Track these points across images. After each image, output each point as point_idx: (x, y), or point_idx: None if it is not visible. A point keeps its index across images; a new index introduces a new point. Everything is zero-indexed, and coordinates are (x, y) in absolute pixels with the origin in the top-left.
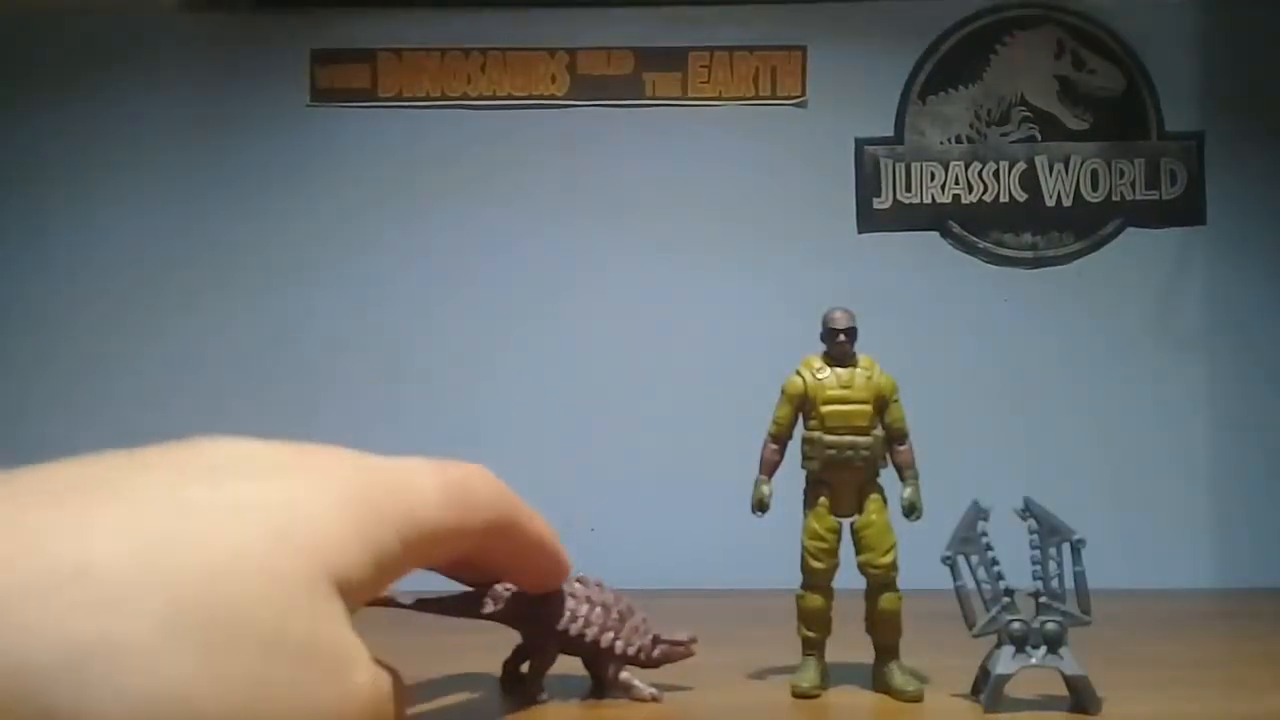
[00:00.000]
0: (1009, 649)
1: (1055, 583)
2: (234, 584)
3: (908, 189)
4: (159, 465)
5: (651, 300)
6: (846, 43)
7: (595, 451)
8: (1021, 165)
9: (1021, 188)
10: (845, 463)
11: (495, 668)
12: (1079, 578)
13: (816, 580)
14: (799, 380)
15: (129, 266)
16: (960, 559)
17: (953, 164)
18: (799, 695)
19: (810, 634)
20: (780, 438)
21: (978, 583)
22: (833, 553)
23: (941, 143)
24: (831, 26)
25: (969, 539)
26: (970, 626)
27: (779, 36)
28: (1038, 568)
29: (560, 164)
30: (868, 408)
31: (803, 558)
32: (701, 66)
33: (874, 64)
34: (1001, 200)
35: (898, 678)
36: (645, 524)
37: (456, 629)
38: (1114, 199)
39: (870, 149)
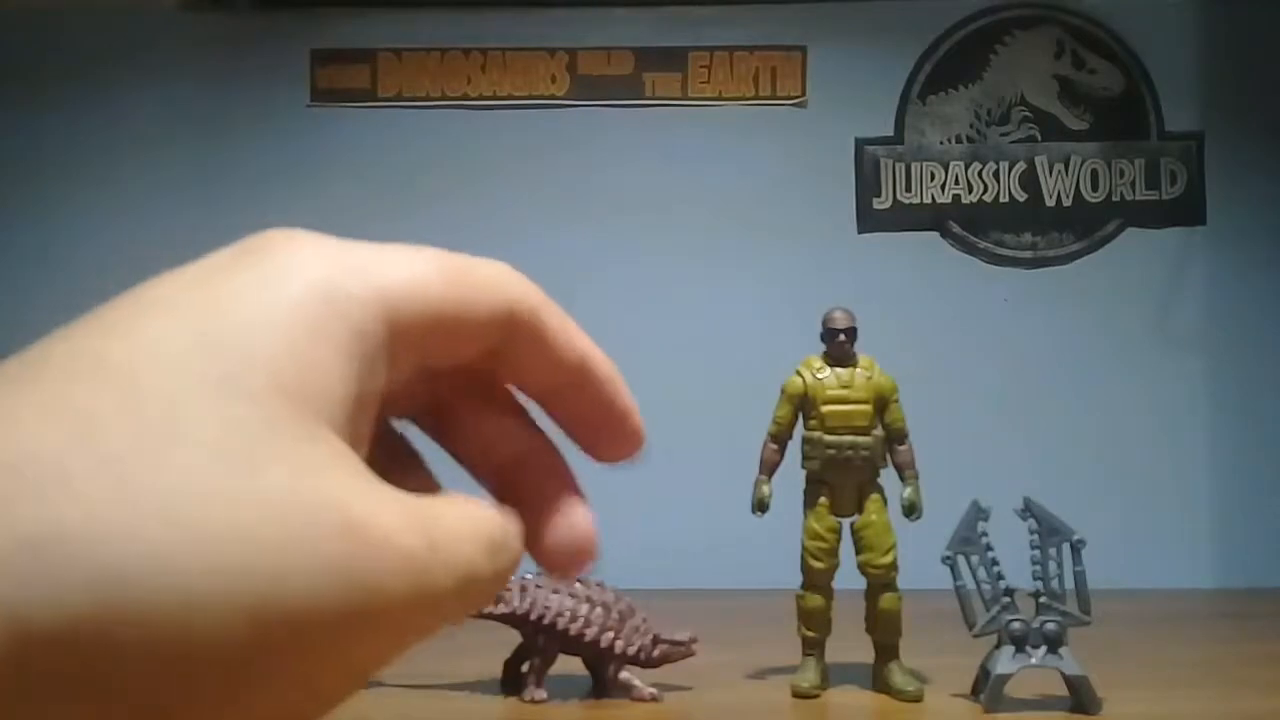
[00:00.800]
0: (1009, 649)
1: (1055, 583)
2: (176, 452)
3: (908, 189)
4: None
5: (651, 300)
6: (846, 43)
7: None
8: (1021, 165)
9: (1021, 188)
10: (845, 462)
11: (496, 668)
12: (1079, 577)
13: (816, 580)
14: (799, 380)
15: (126, 264)
16: (960, 559)
17: (953, 164)
18: (799, 695)
19: (810, 634)
20: (780, 437)
21: (977, 583)
22: (833, 553)
23: (941, 143)
24: (832, 27)
25: (969, 539)
26: (970, 626)
27: (779, 37)
28: (1038, 568)
29: (560, 164)
30: (868, 408)
31: (803, 558)
32: (701, 67)
33: (874, 64)
34: (1001, 200)
35: (898, 678)
36: (645, 524)
37: (456, 629)
38: (1114, 199)
39: (870, 149)
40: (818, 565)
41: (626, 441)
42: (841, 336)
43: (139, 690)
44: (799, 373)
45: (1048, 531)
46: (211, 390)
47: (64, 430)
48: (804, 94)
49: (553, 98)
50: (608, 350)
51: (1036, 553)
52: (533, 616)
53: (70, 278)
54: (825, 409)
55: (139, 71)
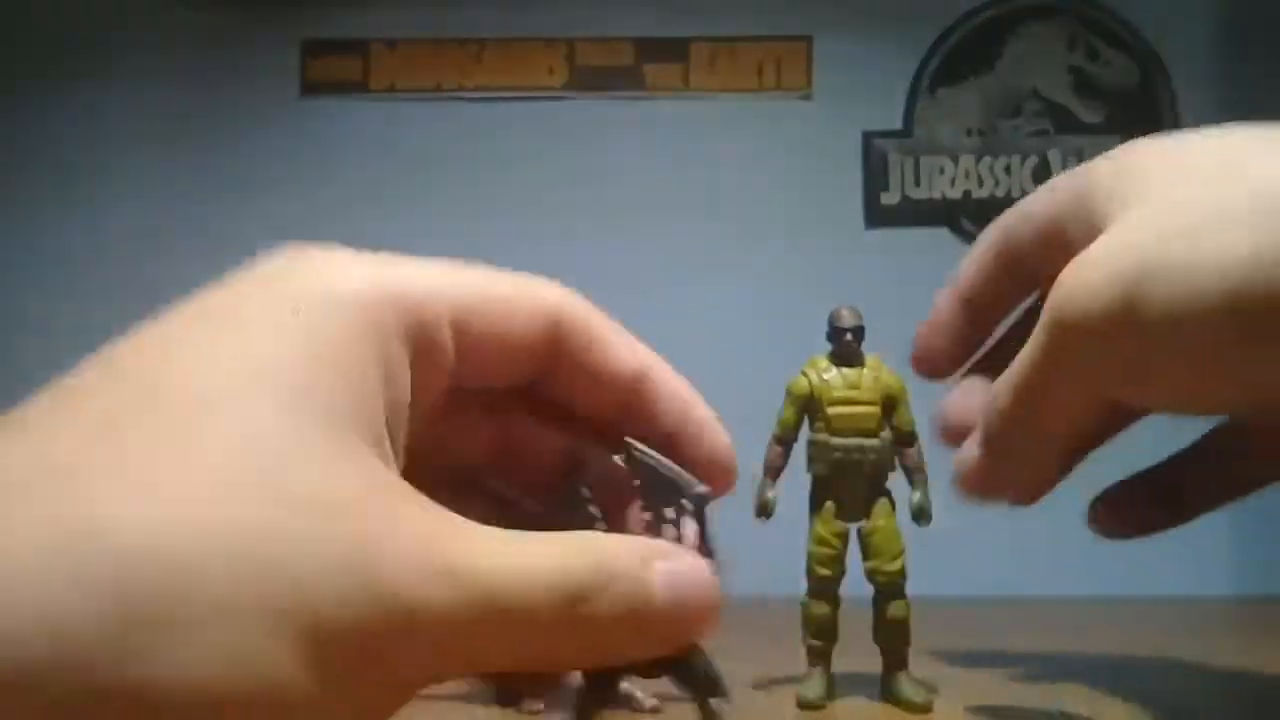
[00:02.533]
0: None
1: None
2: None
3: (917, 183)
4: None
5: (651, 298)
6: (853, 33)
7: None
8: (1034, 159)
9: (1034, 182)
10: (853, 466)
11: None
12: (705, 547)
13: (822, 587)
14: (804, 381)
15: (116, 257)
16: None
17: (963, 157)
18: (804, 706)
19: (816, 643)
20: (785, 440)
21: None
22: (839, 559)
23: (952, 136)
24: (838, 16)
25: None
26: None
27: (784, 26)
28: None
29: (558, 157)
30: (875, 409)
31: (808, 564)
32: (704, 57)
33: (882, 55)
34: (1013, 195)
35: (906, 688)
36: None
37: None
38: None
39: (878, 142)
40: (824, 572)
41: (710, 465)
42: (848, 336)
43: (167, 697)
44: (804, 373)
45: (660, 488)
46: (244, 400)
47: (96, 436)
48: (810, 85)
49: (550, 89)
50: None
51: (648, 515)
52: None
53: (55, 271)
54: (831, 411)
55: (125, 63)
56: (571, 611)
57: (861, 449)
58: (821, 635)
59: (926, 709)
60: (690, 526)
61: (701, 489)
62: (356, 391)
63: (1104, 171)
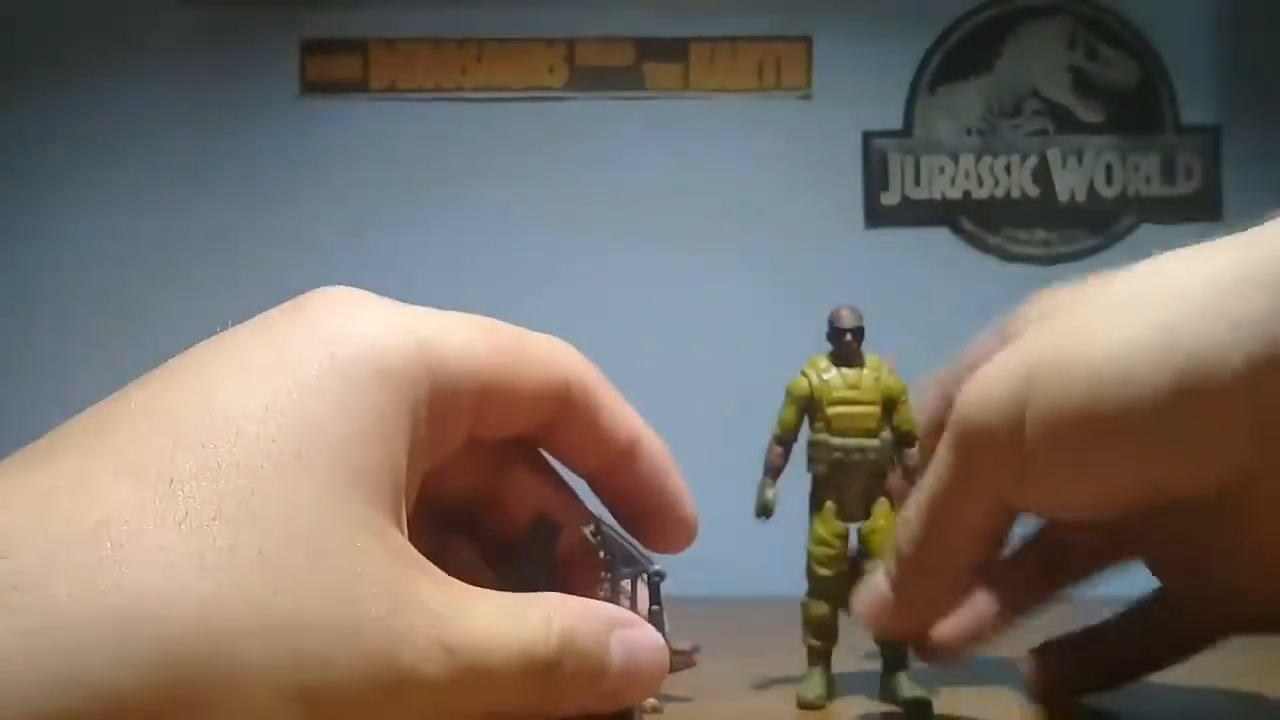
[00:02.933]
0: None
1: None
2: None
3: (917, 183)
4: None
5: (650, 298)
6: (853, 32)
7: None
8: (1034, 159)
9: (1034, 182)
10: (853, 466)
11: None
12: (655, 618)
13: (822, 587)
14: (804, 381)
15: (115, 258)
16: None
17: (963, 157)
18: (804, 706)
19: (816, 643)
20: (785, 440)
21: None
22: (840, 559)
23: (952, 135)
24: (838, 15)
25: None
26: None
27: (784, 26)
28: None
29: (558, 158)
30: (876, 409)
31: (808, 564)
32: (704, 57)
33: (882, 54)
34: (1013, 195)
35: (906, 688)
36: None
37: None
38: (1129, 194)
39: (878, 142)
40: (824, 572)
41: (675, 528)
42: (848, 336)
43: None
44: (804, 374)
45: (621, 560)
46: (285, 469)
47: (144, 495)
48: (809, 85)
49: (550, 89)
50: (605, 347)
51: (605, 586)
52: None
53: (54, 271)
54: (832, 411)
55: (122, 62)
56: (542, 676)
57: (862, 449)
58: (821, 635)
59: (926, 708)
60: (643, 595)
61: (659, 568)
62: (386, 457)
63: (1025, 314)
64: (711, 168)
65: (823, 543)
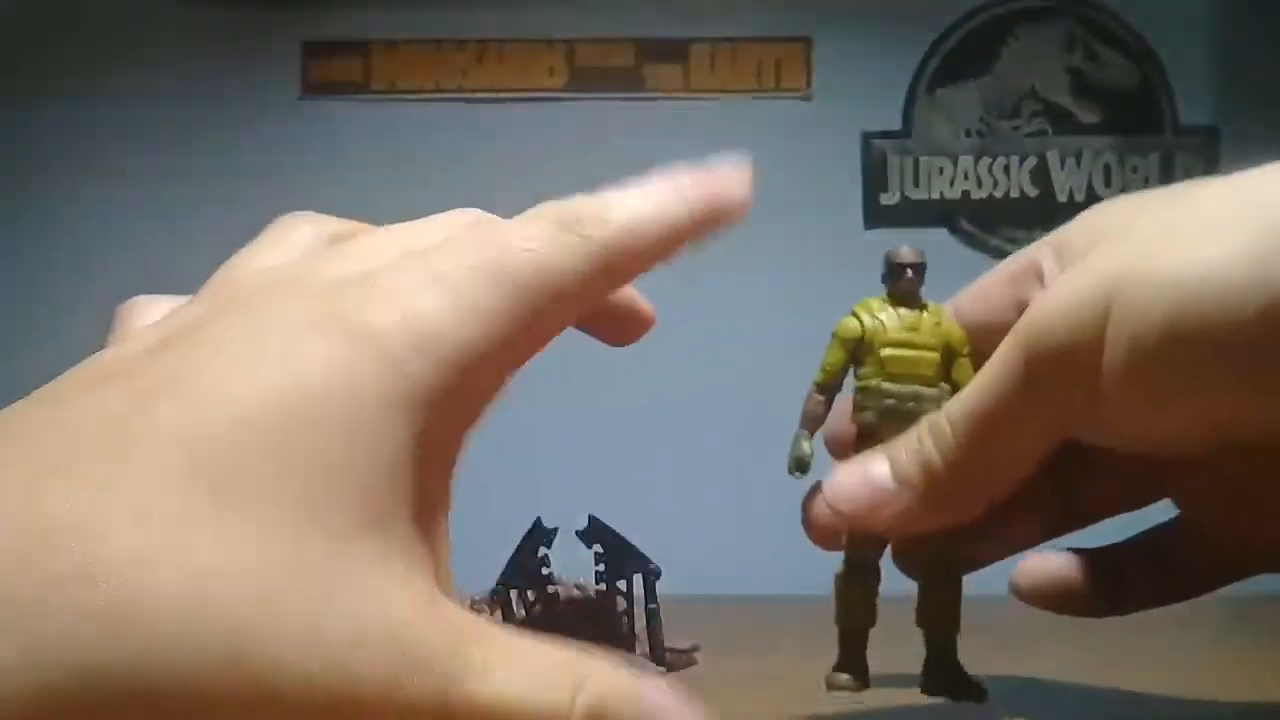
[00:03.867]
0: None
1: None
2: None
3: (916, 184)
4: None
5: (650, 299)
6: (852, 34)
7: (596, 453)
8: (1033, 160)
9: (1033, 183)
10: (905, 415)
11: None
12: (652, 616)
13: (860, 558)
14: (854, 322)
15: (115, 256)
16: (514, 594)
17: (962, 158)
18: (836, 688)
19: (849, 622)
20: (828, 387)
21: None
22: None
23: (951, 137)
24: (837, 18)
25: (522, 566)
26: None
27: (783, 27)
28: None
29: (558, 158)
30: (935, 355)
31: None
32: (703, 58)
33: (881, 56)
34: (1012, 196)
35: (956, 677)
36: (647, 528)
37: None
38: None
39: (877, 143)
40: (859, 544)
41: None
42: (908, 272)
43: None
44: (855, 313)
45: (617, 560)
46: (291, 512)
47: (147, 532)
48: (809, 86)
49: (551, 90)
50: (604, 350)
51: (602, 586)
52: (531, 625)
53: (53, 271)
54: (886, 353)
55: (124, 63)
56: None
57: (917, 397)
58: (856, 613)
59: (981, 699)
60: (654, 629)
61: (655, 566)
62: (395, 490)
63: (1075, 229)
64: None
65: None
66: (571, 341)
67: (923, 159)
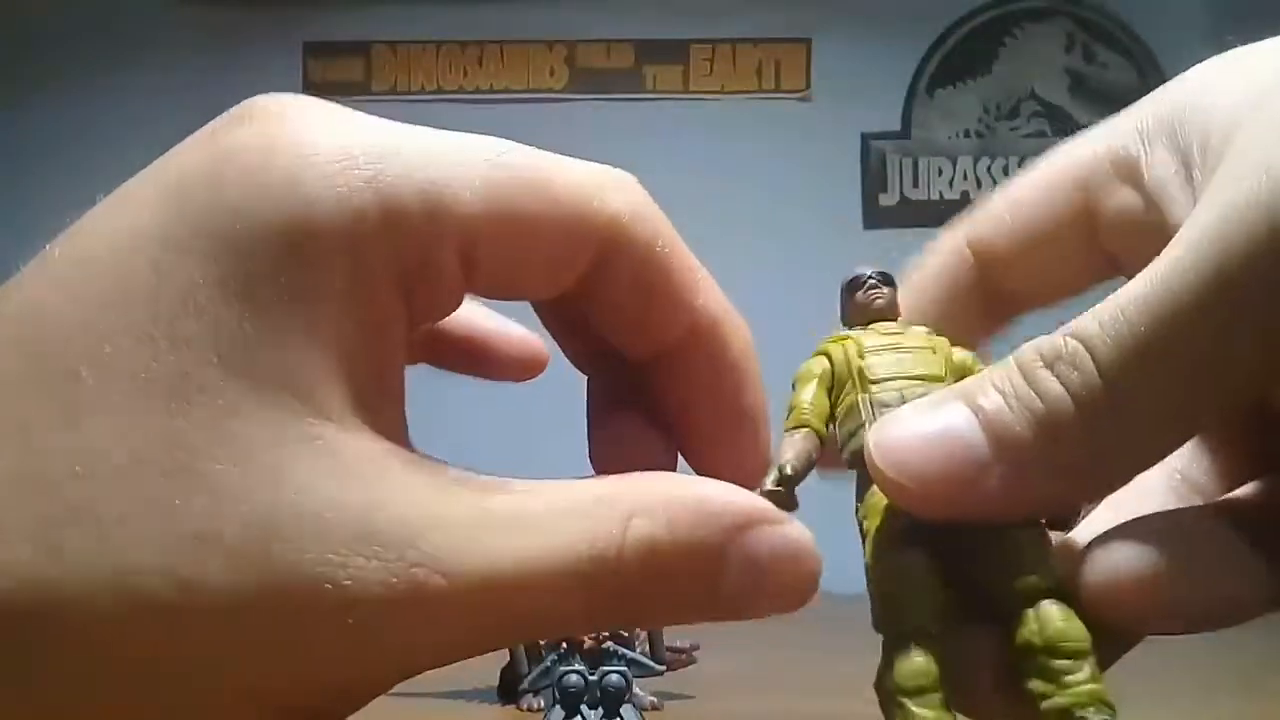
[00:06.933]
0: (559, 712)
1: None
2: None
3: (915, 185)
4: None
5: None
6: (852, 35)
7: None
8: (1031, 161)
9: None
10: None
11: (493, 677)
12: None
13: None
14: (818, 357)
15: None
16: None
17: (961, 159)
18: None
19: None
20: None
21: None
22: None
23: (949, 137)
24: (837, 19)
25: None
26: (517, 680)
27: (783, 28)
28: None
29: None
30: (935, 355)
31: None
32: (703, 59)
33: (880, 57)
34: None
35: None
36: None
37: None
38: None
39: (876, 143)
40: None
41: (748, 445)
42: (871, 280)
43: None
44: (817, 351)
45: None
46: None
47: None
48: (808, 87)
49: (551, 91)
50: None
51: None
52: None
53: None
54: (866, 360)
55: (124, 63)
56: (591, 582)
57: (924, 383)
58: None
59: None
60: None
61: None
62: (369, 360)
63: (1186, 105)
64: (710, 168)
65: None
66: None
67: (922, 160)
